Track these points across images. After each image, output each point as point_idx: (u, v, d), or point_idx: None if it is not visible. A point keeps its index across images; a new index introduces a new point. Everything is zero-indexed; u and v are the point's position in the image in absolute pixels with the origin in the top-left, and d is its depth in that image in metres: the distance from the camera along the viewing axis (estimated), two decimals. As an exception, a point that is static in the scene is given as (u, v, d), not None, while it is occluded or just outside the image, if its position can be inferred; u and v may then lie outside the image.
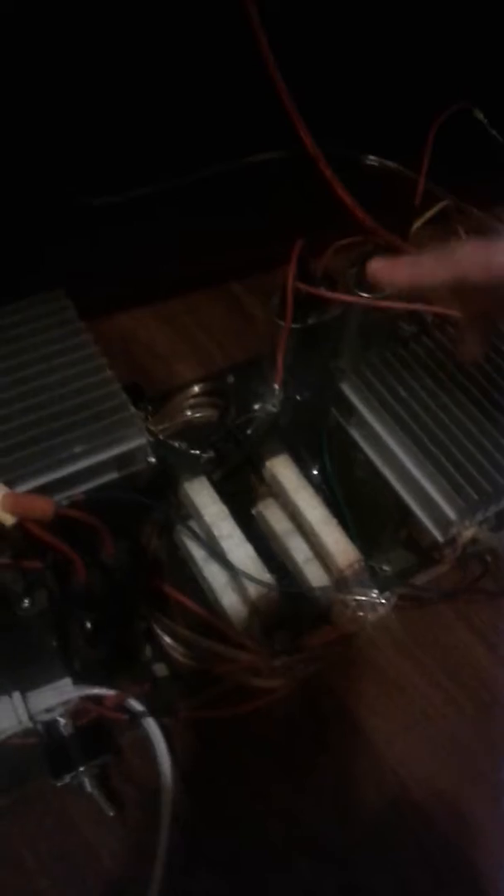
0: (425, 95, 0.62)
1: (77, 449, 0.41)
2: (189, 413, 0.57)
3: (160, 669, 0.45)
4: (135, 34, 0.52)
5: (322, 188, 0.56)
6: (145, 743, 0.43)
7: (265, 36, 0.48)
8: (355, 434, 0.49)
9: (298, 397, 0.57)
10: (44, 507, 0.37)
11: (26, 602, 0.39)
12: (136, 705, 0.43)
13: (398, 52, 0.62)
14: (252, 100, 0.57)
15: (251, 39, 0.48)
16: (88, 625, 0.42)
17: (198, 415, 0.56)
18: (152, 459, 0.44)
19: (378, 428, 0.47)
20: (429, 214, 0.56)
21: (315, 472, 0.54)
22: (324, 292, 0.50)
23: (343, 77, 0.64)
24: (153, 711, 0.43)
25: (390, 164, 0.73)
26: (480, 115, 0.58)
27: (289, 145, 0.56)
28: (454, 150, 0.60)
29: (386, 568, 0.52)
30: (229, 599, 0.47)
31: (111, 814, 0.41)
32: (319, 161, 0.54)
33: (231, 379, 0.59)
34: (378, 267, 0.41)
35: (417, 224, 0.56)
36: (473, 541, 0.51)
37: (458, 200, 0.58)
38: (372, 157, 0.73)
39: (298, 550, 0.50)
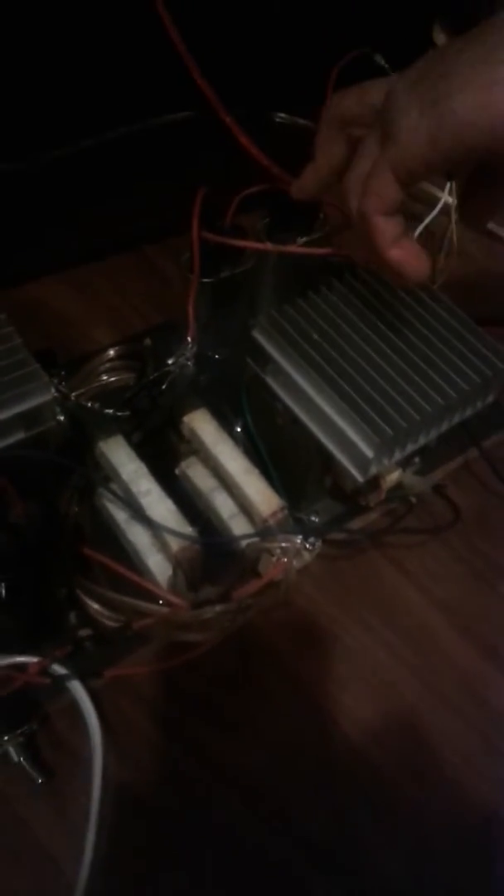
0: (328, 46, 0.61)
1: (-25, 408, 0.39)
2: (105, 377, 0.55)
3: (85, 634, 0.44)
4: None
5: (231, 146, 0.55)
6: (73, 708, 0.42)
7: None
8: (272, 383, 0.48)
9: (217, 356, 0.56)
10: None
11: None
12: (60, 669, 0.41)
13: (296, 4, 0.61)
14: (155, 62, 0.56)
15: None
16: (2, 591, 0.40)
17: (114, 379, 0.55)
18: (61, 417, 0.43)
19: (292, 372, 0.46)
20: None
21: (238, 430, 0.54)
22: (231, 240, 0.49)
23: (243, 34, 0.63)
24: (78, 674, 0.41)
25: (301, 121, 0.72)
26: (381, 60, 0.57)
27: (195, 106, 0.55)
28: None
29: (314, 518, 0.52)
30: (154, 559, 0.46)
31: (39, 781, 0.40)
32: (220, 110, 0.52)
33: (147, 341, 0.57)
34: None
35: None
36: (399, 485, 0.51)
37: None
38: (282, 115, 0.72)
39: (223, 507, 0.49)
